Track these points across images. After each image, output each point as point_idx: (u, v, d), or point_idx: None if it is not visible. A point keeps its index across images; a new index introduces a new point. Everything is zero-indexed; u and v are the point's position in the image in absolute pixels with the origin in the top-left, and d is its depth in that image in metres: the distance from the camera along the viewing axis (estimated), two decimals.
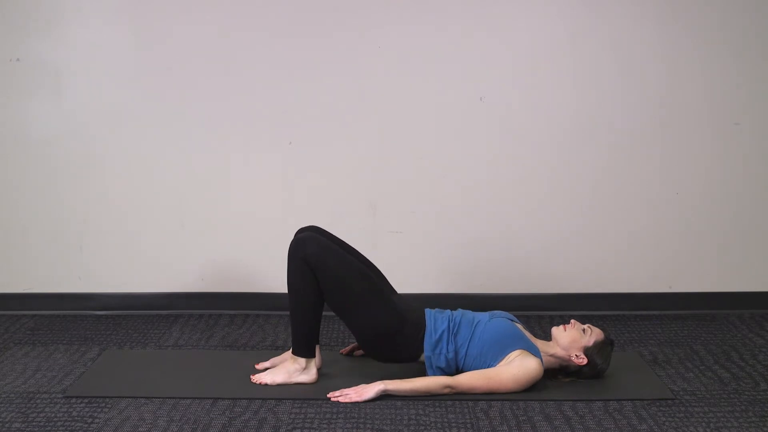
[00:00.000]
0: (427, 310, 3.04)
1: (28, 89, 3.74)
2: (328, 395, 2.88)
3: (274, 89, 3.74)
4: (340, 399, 2.86)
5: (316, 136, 3.78)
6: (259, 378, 3.02)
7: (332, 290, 2.93)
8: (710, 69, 3.74)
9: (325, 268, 2.91)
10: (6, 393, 2.94)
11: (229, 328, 3.68)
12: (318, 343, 3.04)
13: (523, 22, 3.71)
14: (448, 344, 2.95)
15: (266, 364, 3.15)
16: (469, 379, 2.88)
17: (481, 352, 2.93)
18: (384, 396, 2.88)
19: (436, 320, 2.99)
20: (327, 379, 3.04)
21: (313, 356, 3.02)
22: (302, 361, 2.99)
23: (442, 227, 3.85)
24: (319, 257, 2.91)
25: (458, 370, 2.96)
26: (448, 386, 2.86)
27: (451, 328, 2.97)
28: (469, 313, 3.06)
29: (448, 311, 3.06)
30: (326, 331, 3.54)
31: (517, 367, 2.87)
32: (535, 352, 2.93)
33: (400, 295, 3.12)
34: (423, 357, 2.97)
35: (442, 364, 2.95)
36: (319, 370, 3.05)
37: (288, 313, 3.04)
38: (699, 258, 3.88)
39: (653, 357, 3.32)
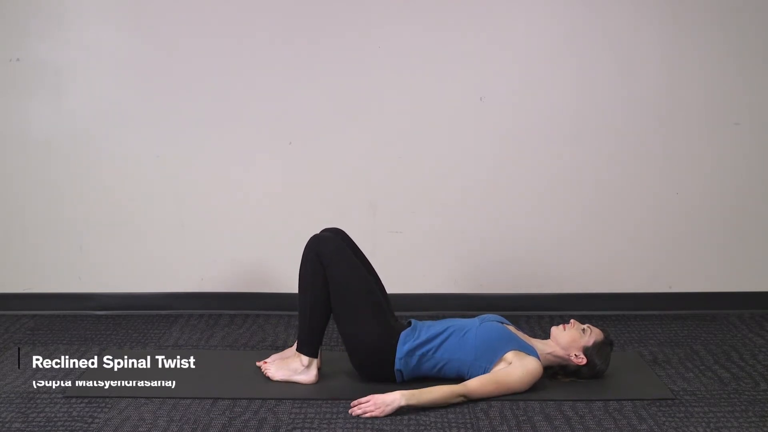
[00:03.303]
0: (415, 323, 3.04)
1: (28, 89, 3.74)
2: (352, 404, 2.78)
3: (274, 89, 3.73)
4: (359, 412, 2.74)
5: (316, 136, 3.78)
6: (266, 367, 3.05)
7: (336, 294, 2.94)
8: (710, 69, 3.73)
9: (336, 270, 2.92)
10: (6, 393, 2.94)
11: (229, 328, 3.68)
12: (321, 345, 3.04)
13: (523, 22, 3.71)
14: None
15: (270, 360, 3.16)
16: (479, 385, 2.84)
17: (475, 357, 2.92)
18: None
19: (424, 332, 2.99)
20: (327, 379, 3.04)
21: (316, 356, 3.02)
22: (305, 359, 3.00)
23: (441, 227, 3.84)
24: (332, 257, 2.92)
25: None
26: (462, 395, 2.82)
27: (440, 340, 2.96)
28: (457, 321, 3.04)
29: (437, 323, 3.03)
30: (326, 331, 3.52)
31: (520, 368, 2.87)
32: (529, 350, 2.93)
33: (398, 317, 3.11)
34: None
35: None
36: (319, 370, 3.05)
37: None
38: (699, 258, 3.88)
39: (653, 357, 3.32)
